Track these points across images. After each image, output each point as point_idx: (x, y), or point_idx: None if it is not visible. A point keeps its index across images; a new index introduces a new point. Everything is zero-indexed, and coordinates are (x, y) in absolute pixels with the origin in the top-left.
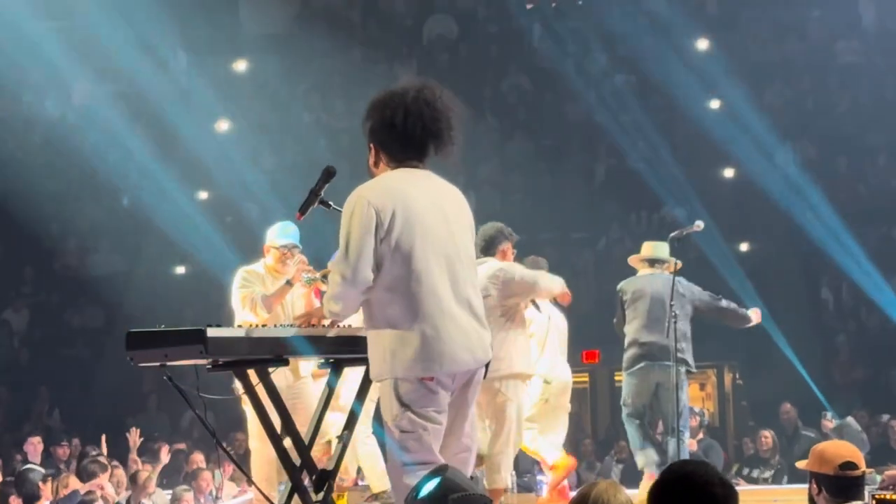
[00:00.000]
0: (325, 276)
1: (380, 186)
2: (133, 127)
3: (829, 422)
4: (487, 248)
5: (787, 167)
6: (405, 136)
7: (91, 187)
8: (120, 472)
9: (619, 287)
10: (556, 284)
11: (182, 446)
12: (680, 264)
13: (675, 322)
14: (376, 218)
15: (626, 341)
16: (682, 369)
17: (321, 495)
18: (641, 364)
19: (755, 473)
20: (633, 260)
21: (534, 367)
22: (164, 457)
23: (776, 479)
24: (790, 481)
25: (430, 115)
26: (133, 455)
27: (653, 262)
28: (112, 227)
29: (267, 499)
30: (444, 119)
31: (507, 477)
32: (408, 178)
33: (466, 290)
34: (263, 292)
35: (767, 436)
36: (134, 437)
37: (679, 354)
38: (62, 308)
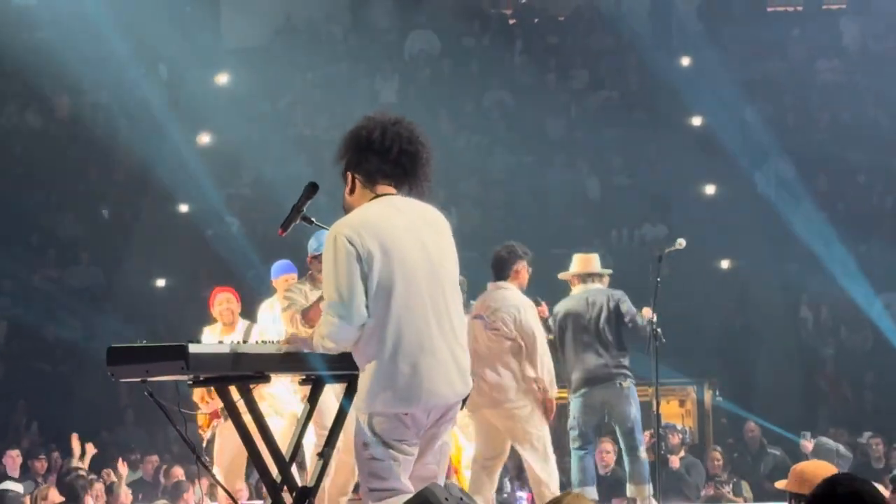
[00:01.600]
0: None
1: (357, 222)
2: (114, 139)
3: (809, 442)
4: (500, 271)
5: (768, 185)
6: (382, 152)
7: (71, 199)
8: (98, 486)
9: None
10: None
11: (155, 459)
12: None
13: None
14: (356, 255)
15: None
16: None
17: None
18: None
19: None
20: (564, 276)
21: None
22: (122, 469)
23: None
24: (757, 500)
25: (406, 135)
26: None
27: (585, 277)
28: (92, 239)
29: None
30: (420, 143)
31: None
32: (385, 210)
33: (451, 320)
34: (304, 305)
35: (717, 456)
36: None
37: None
38: (41, 321)
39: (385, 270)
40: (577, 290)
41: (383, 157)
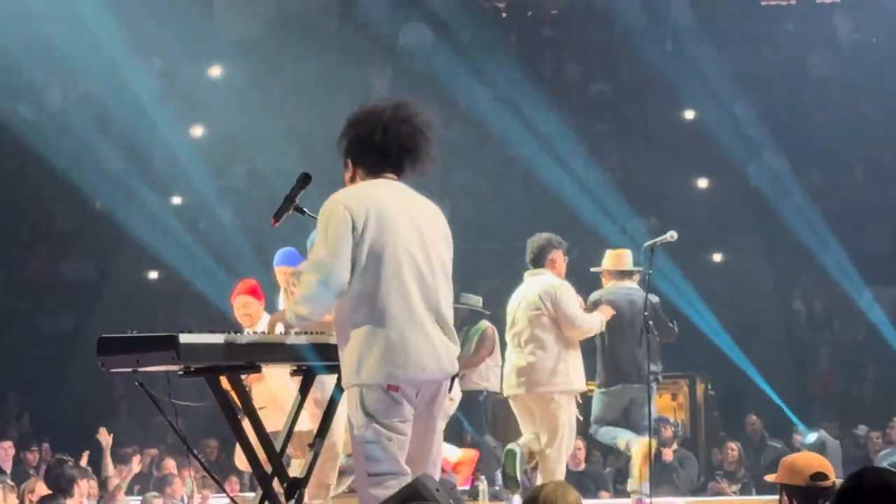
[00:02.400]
0: None
1: (356, 192)
2: (106, 132)
3: (801, 436)
4: (537, 259)
5: (760, 178)
6: (382, 152)
7: (63, 192)
8: (92, 483)
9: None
10: (595, 327)
11: (154, 452)
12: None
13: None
14: (352, 221)
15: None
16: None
17: (292, 503)
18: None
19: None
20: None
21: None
22: (136, 466)
23: (744, 492)
24: (759, 492)
25: (407, 131)
26: (107, 458)
27: (618, 273)
28: (84, 232)
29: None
30: (422, 136)
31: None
32: (383, 187)
33: (438, 301)
34: None
35: (734, 448)
36: (105, 438)
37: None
38: (32, 313)
39: (378, 241)
40: (611, 285)
41: (385, 157)
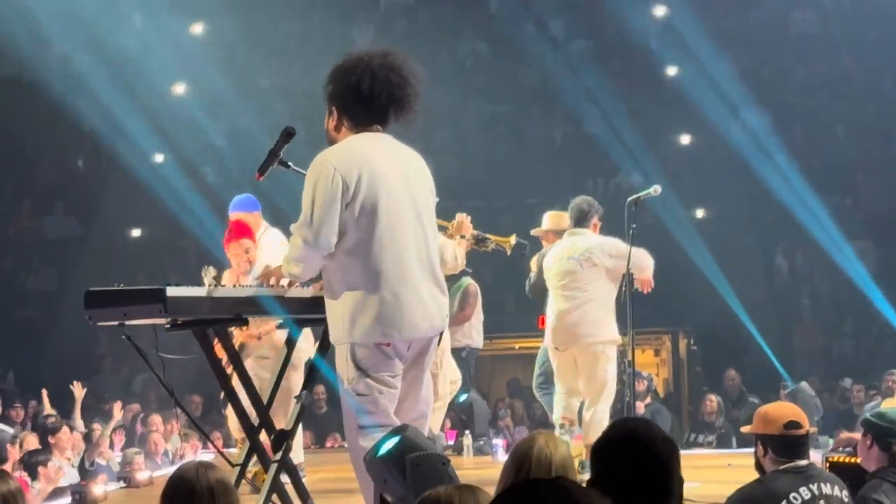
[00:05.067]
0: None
1: (346, 152)
2: (89, 89)
3: (785, 389)
4: (581, 220)
5: (744, 135)
6: (370, 101)
7: (46, 149)
8: (77, 436)
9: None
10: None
11: (136, 407)
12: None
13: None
14: (342, 184)
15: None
16: None
17: (279, 455)
18: None
19: (700, 438)
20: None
21: None
22: (118, 413)
23: (722, 443)
24: (739, 445)
25: (396, 82)
26: (77, 411)
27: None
28: (67, 189)
29: (224, 457)
30: (409, 85)
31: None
32: (372, 143)
33: (430, 255)
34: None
35: (712, 399)
36: (78, 391)
37: None
38: (16, 270)
39: (370, 202)
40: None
41: (371, 106)
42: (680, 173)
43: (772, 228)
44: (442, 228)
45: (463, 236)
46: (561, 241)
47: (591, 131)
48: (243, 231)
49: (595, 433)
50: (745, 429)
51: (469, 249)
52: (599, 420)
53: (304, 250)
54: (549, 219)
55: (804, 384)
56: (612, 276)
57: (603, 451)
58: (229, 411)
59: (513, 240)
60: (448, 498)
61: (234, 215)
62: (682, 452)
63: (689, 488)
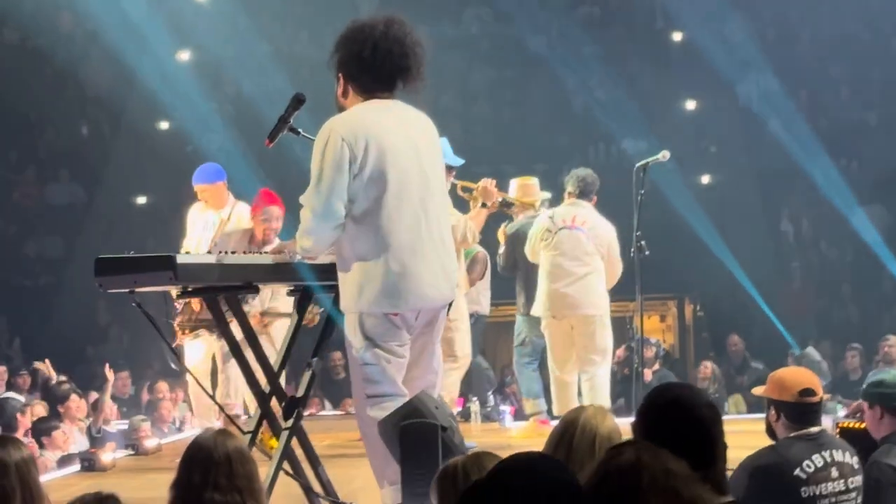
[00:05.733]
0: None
1: (352, 120)
2: (91, 56)
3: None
4: (585, 193)
5: (749, 99)
6: (375, 69)
7: (51, 116)
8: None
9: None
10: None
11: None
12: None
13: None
14: (350, 153)
15: None
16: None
17: (290, 422)
18: None
19: None
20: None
21: None
22: (109, 375)
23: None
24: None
25: (399, 50)
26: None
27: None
28: (72, 156)
29: (234, 423)
30: (413, 54)
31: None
32: (379, 110)
33: (438, 222)
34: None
35: (707, 366)
36: (110, 375)
37: None
38: (21, 238)
39: (378, 171)
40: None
41: (376, 75)
42: (686, 138)
43: (777, 193)
44: (467, 190)
45: (485, 204)
46: (557, 210)
47: (595, 97)
48: (273, 198)
49: (597, 397)
50: (757, 390)
51: (493, 212)
52: (601, 385)
53: (314, 221)
54: (519, 189)
55: (810, 349)
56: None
57: (647, 416)
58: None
59: (537, 203)
60: (454, 470)
61: (199, 186)
62: None
63: None
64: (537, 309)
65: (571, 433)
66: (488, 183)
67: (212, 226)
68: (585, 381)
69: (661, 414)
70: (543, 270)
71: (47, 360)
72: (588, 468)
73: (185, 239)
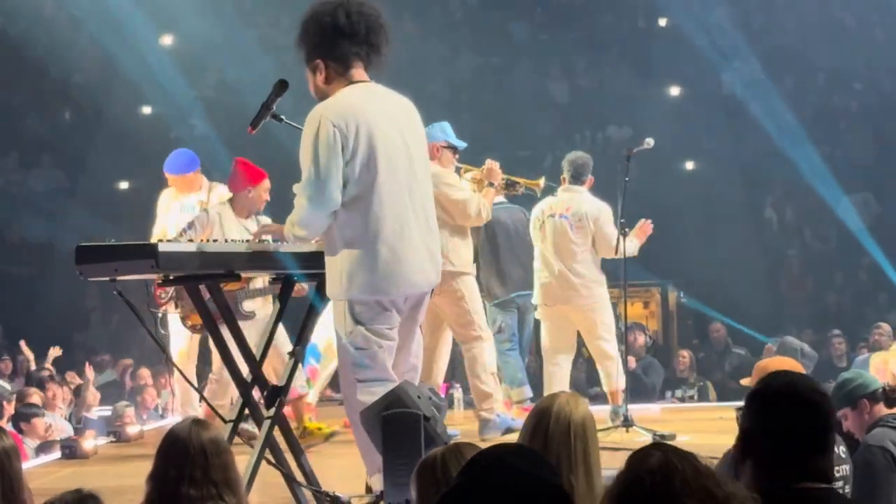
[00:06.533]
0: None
1: (341, 105)
2: (75, 41)
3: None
4: (578, 176)
5: (734, 86)
6: (352, 34)
7: (33, 101)
8: (66, 390)
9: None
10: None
11: (128, 362)
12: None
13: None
14: (342, 138)
15: None
16: None
17: (272, 411)
18: None
19: (678, 393)
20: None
21: None
22: (89, 373)
23: (702, 397)
24: (720, 399)
25: (369, 14)
26: (89, 390)
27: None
28: (55, 141)
29: (216, 413)
30: (384, 21)
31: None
32: (364, 95)
33: (423, 206)
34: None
35: (685, 355)
36: (90, 373)
37: None
38: (4, 224)
39: (369, 156)
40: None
41: (353, 39)
42: (669, 125)
43: (761, 181)
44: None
45: (491, 184)
46: (550, 199)
47: (580, 83)
48: (256, 168)
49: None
50: (745, 381)
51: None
52: (619, 361)
53: (310, 210)
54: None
55: (788, 338)
56: (591, 247)
57: (761, 400)
58: None
59: (542, 182)
60: (433, 461)
61: (171, 177)
62: (666, 406)
63: (681, 441)
64: (534, 297)
65: (546, 422)
66: (493, 164)
67: (190, 209)
68: (606, 361)
69: (777, 398)
70: (536, 260)
71: (23, 342)
72: (564, 455)
73: (153, 225)
